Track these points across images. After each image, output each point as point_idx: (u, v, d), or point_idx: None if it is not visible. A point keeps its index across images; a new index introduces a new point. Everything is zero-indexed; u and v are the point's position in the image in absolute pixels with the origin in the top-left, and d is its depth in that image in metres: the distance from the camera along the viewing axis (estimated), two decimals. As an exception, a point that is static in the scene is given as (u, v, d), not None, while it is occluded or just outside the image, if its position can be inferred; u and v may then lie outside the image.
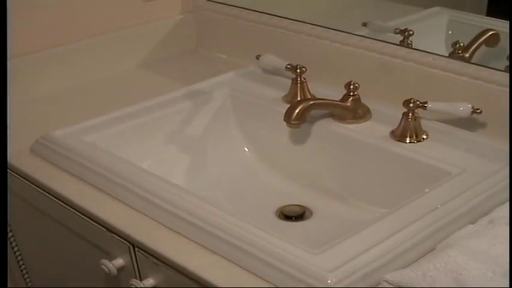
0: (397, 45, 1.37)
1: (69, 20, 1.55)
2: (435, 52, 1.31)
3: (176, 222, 1.04)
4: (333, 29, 1.45)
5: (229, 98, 1.45)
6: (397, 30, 1.39)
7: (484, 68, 1.23)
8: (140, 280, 1.07)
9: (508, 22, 1.21)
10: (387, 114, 1.28)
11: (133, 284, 1.07)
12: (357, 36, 1.42)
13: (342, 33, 1.44)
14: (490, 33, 1.29)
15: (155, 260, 1.03)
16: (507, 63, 1.23)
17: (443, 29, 1.41)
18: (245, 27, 1.62)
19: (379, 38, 1.39)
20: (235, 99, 1.44)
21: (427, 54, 1.31)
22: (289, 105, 1.25)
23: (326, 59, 1.46)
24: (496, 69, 1.22)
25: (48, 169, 1.24)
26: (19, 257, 1.43)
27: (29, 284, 1.48)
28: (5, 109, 1.19)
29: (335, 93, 1.31)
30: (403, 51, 1.34)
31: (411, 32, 1.38)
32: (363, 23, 1.46)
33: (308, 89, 1.38)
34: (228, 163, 1.38)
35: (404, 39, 1.38)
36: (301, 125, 1.25)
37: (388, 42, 1.37)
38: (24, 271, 1.46)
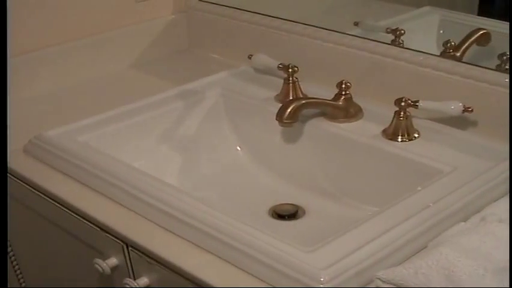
0: (388, 44, 1.37)
1: (61, 20, 1.55)
2: (426, 51, 1.31)
3: (170, 221, 1.04)
4: (325, 29, 1.46)
5: (221, 97, 1.45)
6: (388, 30, 1.39)
7: (475, 67, 1.24)
8: (134, 279, 1.07)
9: (508, 23, 1.21)
10: (379, 113, 1.28)
11: (127, 284, 1.07)
12: (349, 36, 1.42)
13: (334, 32, 1.44)
14: (481, 32, 1.30)
15: (149, 259, 1.03)
16: (498, 62, 1.24)
17: (434, 28, 1.42)
18: (237, 27, 1.63)
19: (371, 38, 1.39)
20: (227, 99, 1.44)
21: (418, 53, 1.31)
22: (281, 104, 1.26)
23: (318, 59, 1.46)
24: (487, 68, 1.23)
25: (41, 169, 1.24)
26: (13, 257, 1.43)
27: (23, 284, 1.48)
28: (5, 110, 1.19)
29: (327, 93, 1.32)
30: (394, 50, 1.35)
31: (402, 32, 1.38)
32: (355, 22, 1.47)
33: (300, 89, 1.39)
34: (220, 162, 1.38)
35: (395, 38, 1.38)
36: (293, 124, 1.25)
37: (380, 42, 1.37)
38: (18, 271, 1.46)
